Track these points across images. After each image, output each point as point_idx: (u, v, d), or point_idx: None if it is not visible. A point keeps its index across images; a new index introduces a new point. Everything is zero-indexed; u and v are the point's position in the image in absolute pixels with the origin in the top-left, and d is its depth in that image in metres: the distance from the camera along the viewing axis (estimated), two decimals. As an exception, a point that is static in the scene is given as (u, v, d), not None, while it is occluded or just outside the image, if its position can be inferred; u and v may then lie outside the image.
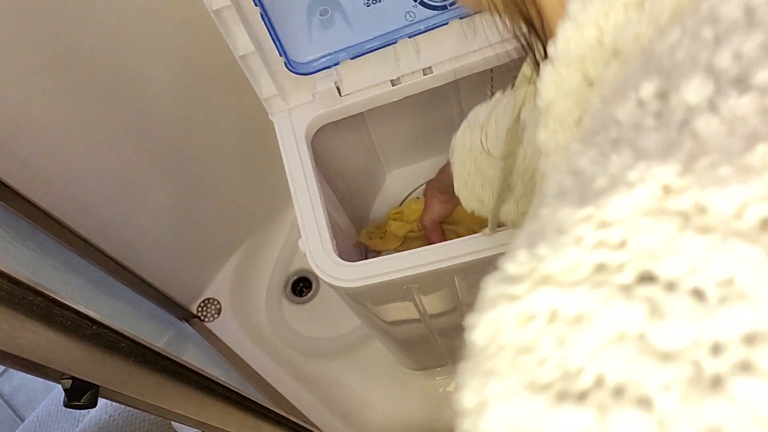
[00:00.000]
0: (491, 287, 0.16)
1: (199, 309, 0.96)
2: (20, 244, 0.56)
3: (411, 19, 0.54)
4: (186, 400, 0.48)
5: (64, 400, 0.36)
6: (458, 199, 0.53)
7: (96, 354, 0.40)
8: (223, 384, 0.54)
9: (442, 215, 0.73)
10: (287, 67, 0.54)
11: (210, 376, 0.52)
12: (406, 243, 0.81)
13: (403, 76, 0.57)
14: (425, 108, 0.76)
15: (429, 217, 0.73)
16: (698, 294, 0.13)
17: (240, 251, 0.99)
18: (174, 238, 0.86)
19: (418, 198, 0.86)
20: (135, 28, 0.61)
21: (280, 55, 0.53)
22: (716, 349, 0.12)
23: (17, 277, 0.35)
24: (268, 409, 0.62)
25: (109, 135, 0.67)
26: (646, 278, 0.13)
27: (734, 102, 0.14)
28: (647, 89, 0.16)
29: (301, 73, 0.55)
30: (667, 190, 0.14)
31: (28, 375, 0.35)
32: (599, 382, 0.13)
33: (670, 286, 0.13)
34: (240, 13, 0.48)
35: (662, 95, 0.16)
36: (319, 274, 0.50)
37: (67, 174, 0.65)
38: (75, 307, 0.39)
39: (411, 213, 0.83)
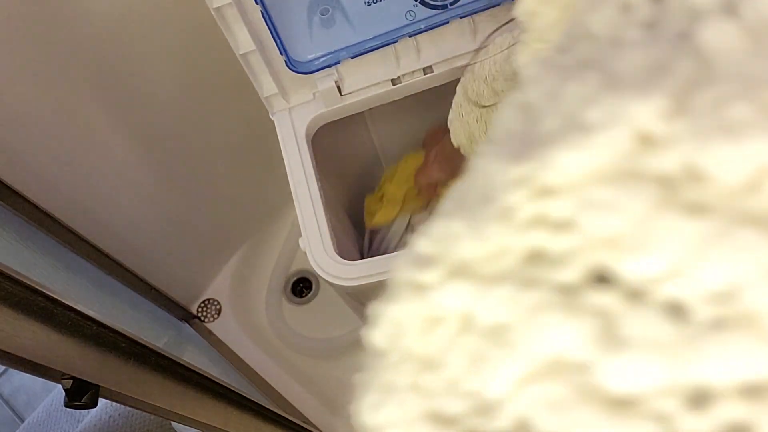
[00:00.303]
0: (399, 268, 0.12)
1: (199, 309, 0.96)
2: (20, 244, 0.56)
3: (411, 18, 0.54)
4: (186, 400, 0.48)
5: (64, 400, 0.36)
6: (459, 171, 0.49)
7: (96, 354, 0.40)
8: (223, 384, 0.54)
9: (439, 182, 0.67)
10: (288, 66, 0.54)
11: (210, 376, 0.52)
12: (407, 203, 0.76)
13: (403, 75, 0.57)
14: (426, 107, 0.76)
15: (426, 180, 0.67)
16: (678, 311, 0.08)
17: (240, 251, 0.99)
18: (174, 238, 0.86)
19: (415, 152, 0.78)
20: (135, 27, 0.61)
21: (281, 54, 0.53)
22: (699, 402, 0.08)
23: (17, 277, 0.34)
24: (268, 409, 0.62)
25: (108, 134, 0.67)
26: (601, 279, 0.09)
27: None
28: None
29: (302, 71, 0.55)
30: (644, 140, 0.09)
31: (28, 375, 0.34)
32: (522, 428, 0.09)
33: (636, 296, 0.09)
34: (241, 12, 0.48)
35: None
36: (319, 272, 0.50)
37: (66, 173, 0.65)
38: (75, 307, 0.39)
39: (407, 167, 0.76)
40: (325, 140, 0.63)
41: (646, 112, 0.09)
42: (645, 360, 0.08)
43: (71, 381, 0.35)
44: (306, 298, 0.97)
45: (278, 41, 0.52)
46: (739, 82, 0.08)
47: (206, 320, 0.95)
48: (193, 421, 0.48)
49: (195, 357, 0.85)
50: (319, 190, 0.54)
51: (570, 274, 0.09)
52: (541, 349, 0.09)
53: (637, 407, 0.08)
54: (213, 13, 0.47)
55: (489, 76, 0.41)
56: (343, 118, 0.60)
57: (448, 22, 0.53)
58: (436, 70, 0.56)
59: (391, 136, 0.83)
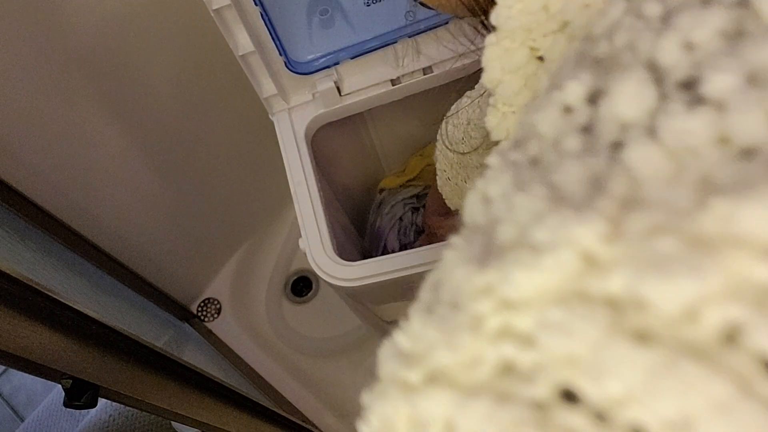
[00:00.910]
0: (385, 360, 0.12)
1: (199, 309, 0.96)
2: (20, 244, 0.56)
3: (411, 18, 0.54)
4: (186, 400, 0.48)
5: (64, 400, 0.36)
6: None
7: (96, 354, 0.40)
8: (223, 384, 0.54)
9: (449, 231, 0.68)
10: (287, 67, 0.54)
11: (210, 376, 0.52)
12: (420, 178, 0.85)
13: (403, 75, 0.57)
14: (425, 108, 0.76)
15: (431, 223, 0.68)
16: None
17: (240, 251, 0.99)
18: (174, 238, 0.86)
19: (419, 155, 0.87)
20: (135, 28, 0.61)
21: (281, 55, 0.53)
22: None
23: (17, 277, 0.35)
24: (268, 409, 0.62)
25: (109, 135, 0.67)
26: (568, 396, 0.09)
27: (681, 123, 0.09)
28: (574, 90, 0.11)
29: (302, 72, 0.55)
30: (589, 261, 0.09)
31: (28, 375, 0.35)
32: None
33: (602, 418, 0.09)
34: (240, 13, 0.48)
35: (594, 99, 0.11)
36: (318, 273, 0.50)
37: (67, 173, 0.65)
38: (75, 307, 0.39)
39: (411, 170, 0.85)
40: (325, 141, 0.64)
41: (587, 235, 0.09)
42: None
43: (71, 381, 0.35)
44: (306, 297, 0.97)
45: (278, 42, 0.52)
46: (665, 210, 0.09)
47: (206, 320, 0.95)
48: (193, 421, 0.48)
49: (195, 357, 0.85)
50: (319, 191, 0.54)
51: (539, 390, 0.09)
52: None
53: None
54: (212, 14, 0.47)
55: (463, 123, 0.42)
56: (343, 118, 0.60)
57: (447, 23, 0.53)
58: (436, 71, 0.56)
59: (391, 137, 0.83)
